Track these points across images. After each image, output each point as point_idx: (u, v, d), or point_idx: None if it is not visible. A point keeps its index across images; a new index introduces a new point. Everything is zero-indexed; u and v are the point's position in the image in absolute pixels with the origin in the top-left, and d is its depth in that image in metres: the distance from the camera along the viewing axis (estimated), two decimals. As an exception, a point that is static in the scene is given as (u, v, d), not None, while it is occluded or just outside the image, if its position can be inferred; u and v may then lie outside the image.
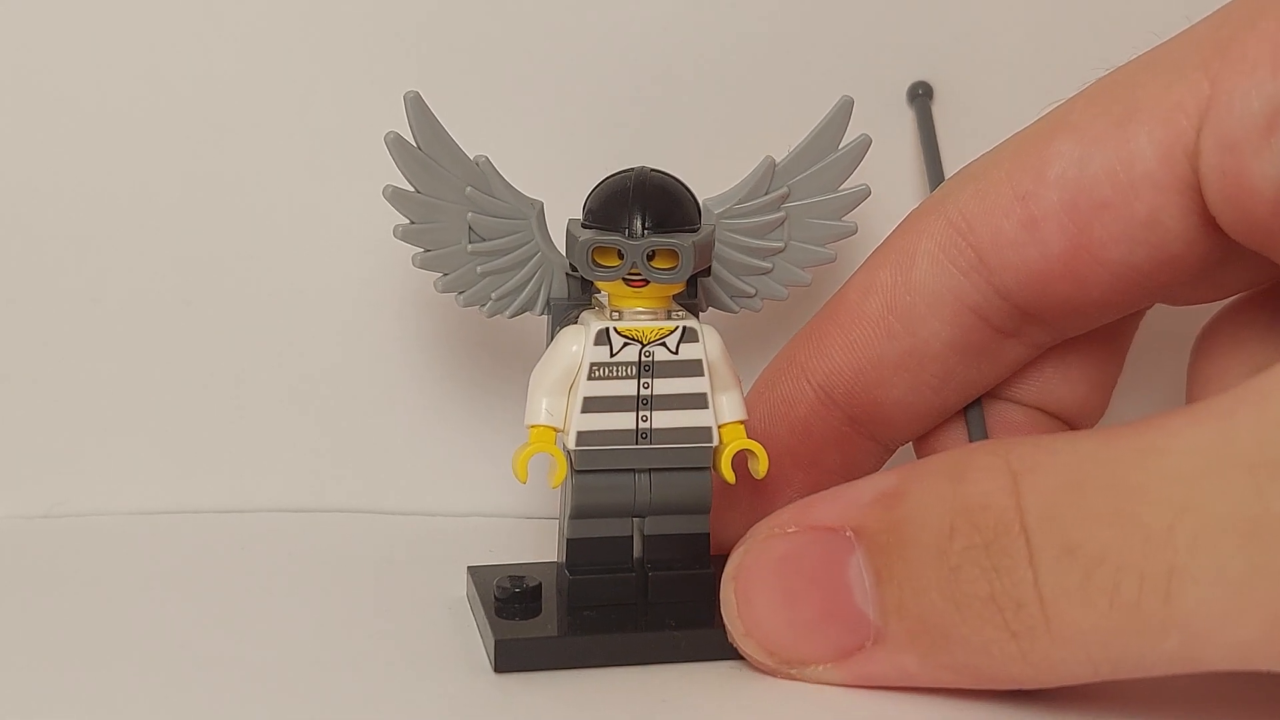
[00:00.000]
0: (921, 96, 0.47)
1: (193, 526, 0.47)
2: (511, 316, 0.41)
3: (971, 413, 0.42)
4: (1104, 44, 0.43)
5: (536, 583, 0.40)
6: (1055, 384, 0.42)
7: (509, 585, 0.40)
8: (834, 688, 0.37)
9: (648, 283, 0.39)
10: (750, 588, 0.37)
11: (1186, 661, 0.32)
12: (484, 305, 0.41)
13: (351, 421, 0.48)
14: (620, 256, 0.38)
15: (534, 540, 0.46)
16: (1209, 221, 0.36)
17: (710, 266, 0.40)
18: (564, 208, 0.41)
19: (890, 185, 0.46)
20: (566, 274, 0.41)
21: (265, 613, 0.41)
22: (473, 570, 0.42)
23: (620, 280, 0.39)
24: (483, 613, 0.40)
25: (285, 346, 0.48)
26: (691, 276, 0.39)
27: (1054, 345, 0.41)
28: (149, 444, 0.48)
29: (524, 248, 0.41)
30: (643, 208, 0.38)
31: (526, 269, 0.41)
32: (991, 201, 0.38)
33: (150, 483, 0.48)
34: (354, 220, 0.47)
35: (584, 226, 0.39)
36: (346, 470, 0.49)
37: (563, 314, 0.41)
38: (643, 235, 0.38)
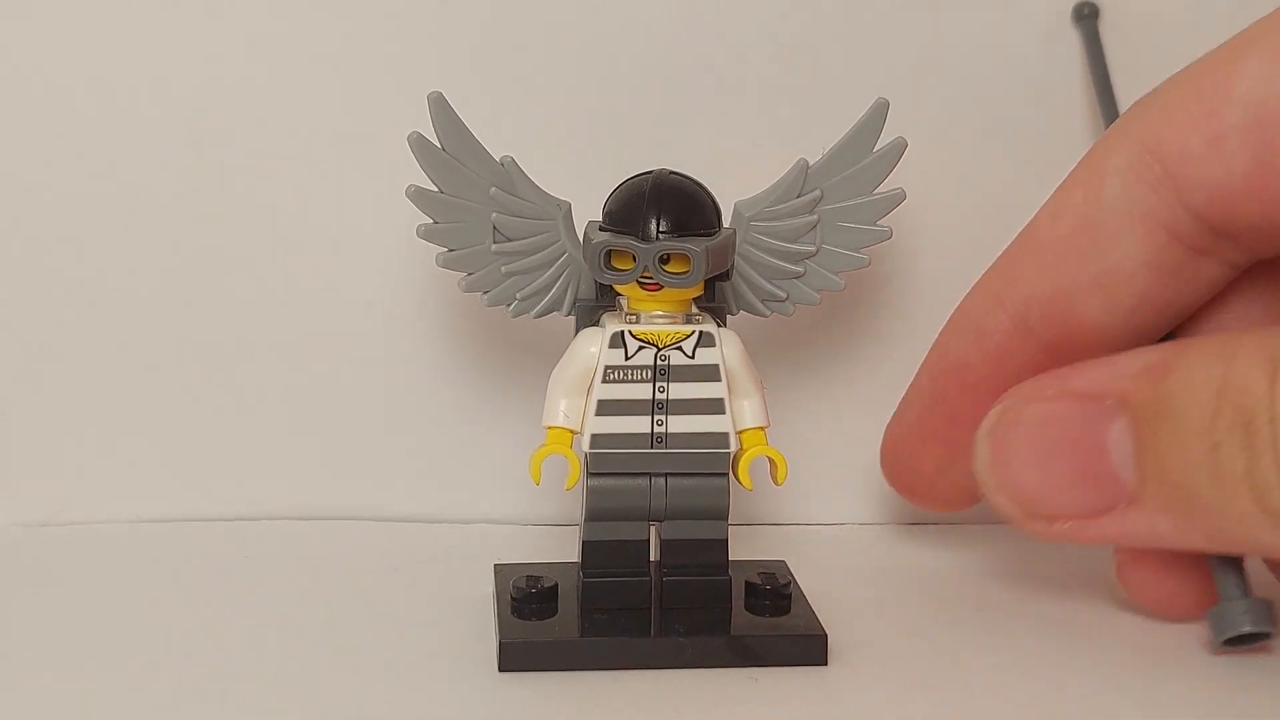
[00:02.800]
0: (1088, 17, 0.47)
1: (194, 534, 0.47)
2: (537, 316, 0.41)
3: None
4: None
5: (553, 583, 0.40)
6: (1258, 315, 0.42)
7: (525, 585, 0.40)
8: (844, 697, 0.37)
9: (662, 286, 0.38)
10: (1006, 445, 0.39)
11: None
12: (509, 305, 0.41)
13: (355, 428, 0.48)
14: (634, 260, 0.38)
15: (543, 547, 0.46)
16: None
17: (730, 271, 0.40)
18: (593, 208, 0.40)
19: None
20: (594, 275, 0.41)
21: (268, 620, 0.41)
22: (498, 568, 0.42)
23: (636, 283, 0.38)
24: (500, 611, 0.40)
25: (288, 352, 0.48)
26: (710, 280, 0.39)
27: (1253, 269, 0.40)
28: (151, 451, 0.48)
29: (551, 248, 0.41)
30: (658, 211, 0.38)
31: (553, 269, 0.41)
32: (1179, 117, 0.38)
33: (152, 490, 0.48)
34: (359, 224, 0.47)
35: (601, 229, 0.39)
36: (350, 477, 0.48)
37: (587, 315, 0.41)
38: (656, 239, 0.38)
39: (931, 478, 0.44)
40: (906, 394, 0.44)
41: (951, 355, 0.42)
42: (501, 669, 0.38)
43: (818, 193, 0.41)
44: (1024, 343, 0.41)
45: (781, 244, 0.41)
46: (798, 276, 0.42)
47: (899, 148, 0.41)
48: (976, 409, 0.40)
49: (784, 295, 0.42)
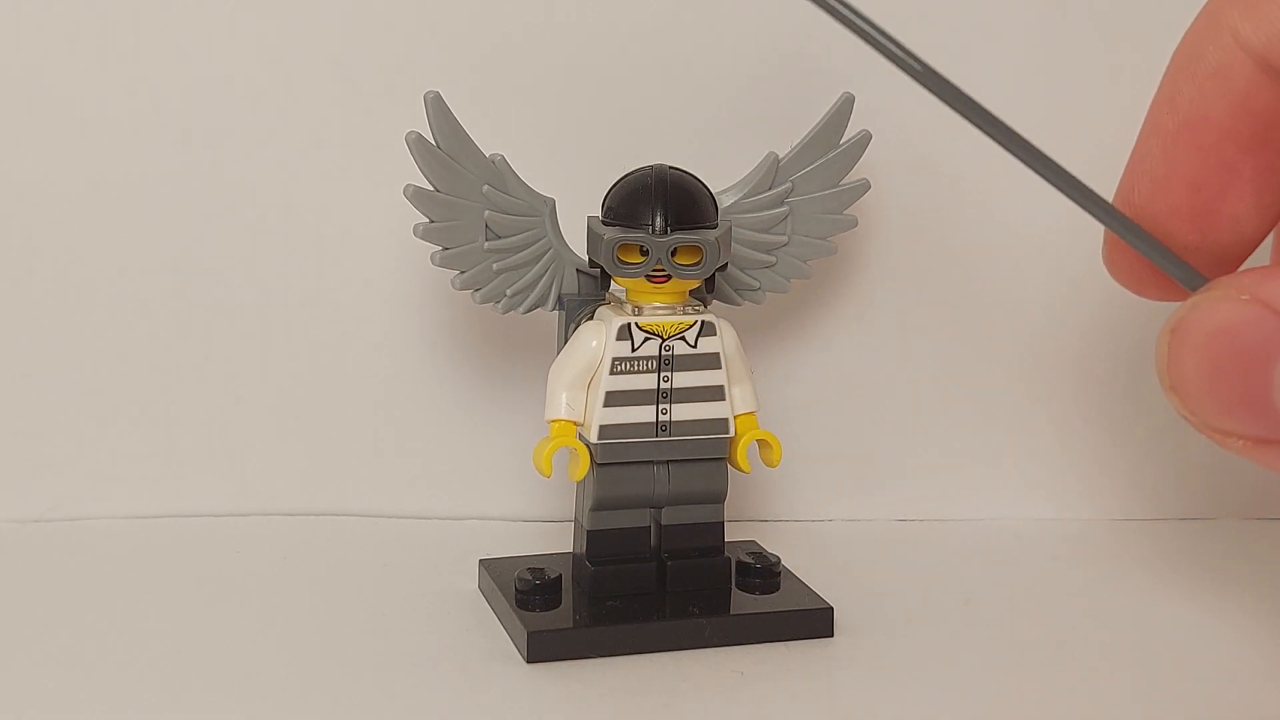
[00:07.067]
0: None
1: (187, 531, 0.46)
2: (525, 313, 0.42)
3: None
4: None
5: (556, 574, 0.41)
6: None
7: (530, 577, 0.40)
8: (843, 693, 0.38)
9: (669, 278, 0.39)
10: (1182, 348, 0.33)
11: None
12: (498, 302, 0.41)
13: (345, 426, 0.48)
14: (643, 254, 0.39)
15: (532, 541, 0.46)
16: None
17: (726, 262, 0.41)
18: (574, 203, 0.41)
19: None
20: (578, 270, 0.42)
21: (259, 616, 0.41)
22: (485, 563, 0.43)
23: (643, 276, 0.39)
24: (504, 605, 0.40)
25: (279, 350, 0.47)
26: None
27: None
28: (143, 448, 0.47)
29: (538, 244, 0.41)
30: (664, 205, 0.39)
31: (540, 265, 0.41)
32: None
33: (144, 487, 0.47)
34: (348, 222, 0.46)
35: (605, 224, 0.40)
36: (341, 474, 0.48)
37: (575, 310, 0.42)
38: (666, 232, 0.39)
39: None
40: (1130, 163, 0.35)
41: (1183, 108, 0.34)
42: (530, 660, 0.39)
43: (788, 184, 0.43)
44: (1275, 87, 0.32)
45: (755, 234, 0.43)
46: (770, 266, 0.43)
47: (864, 140, 0.43)
48: (1225, 167, 0.34)
49: (757, 284, 0.43)
